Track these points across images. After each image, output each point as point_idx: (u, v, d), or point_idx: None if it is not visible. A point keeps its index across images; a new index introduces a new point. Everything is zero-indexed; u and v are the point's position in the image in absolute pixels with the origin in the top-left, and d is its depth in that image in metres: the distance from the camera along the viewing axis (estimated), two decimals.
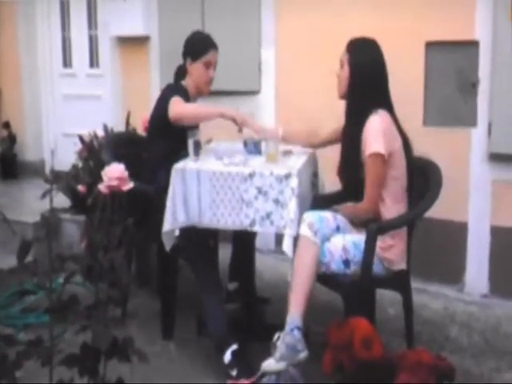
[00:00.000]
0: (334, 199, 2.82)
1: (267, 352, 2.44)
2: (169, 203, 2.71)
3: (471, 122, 3.54)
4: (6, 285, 3.48)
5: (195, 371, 2.75)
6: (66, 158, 4.52)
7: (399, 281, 2.68)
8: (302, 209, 2.58)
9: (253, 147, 2.97)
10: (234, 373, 2.60)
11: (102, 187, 1.74)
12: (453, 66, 3.59)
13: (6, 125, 5.60)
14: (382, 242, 2.54)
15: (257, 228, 2.61)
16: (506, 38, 3.33)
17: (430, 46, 3.64)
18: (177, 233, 2.74)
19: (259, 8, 4.21)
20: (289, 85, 4.16)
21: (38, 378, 1.87)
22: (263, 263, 3.69)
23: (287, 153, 2.95)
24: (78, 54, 5.40)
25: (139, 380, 2.54)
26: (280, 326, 2.47)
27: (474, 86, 3.52)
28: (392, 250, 2.59)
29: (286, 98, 4.16)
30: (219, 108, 2.96)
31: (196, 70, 3.12)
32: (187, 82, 3.15)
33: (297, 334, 2.38)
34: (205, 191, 2.65)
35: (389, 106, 2.65)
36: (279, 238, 2.90)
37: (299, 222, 2.51)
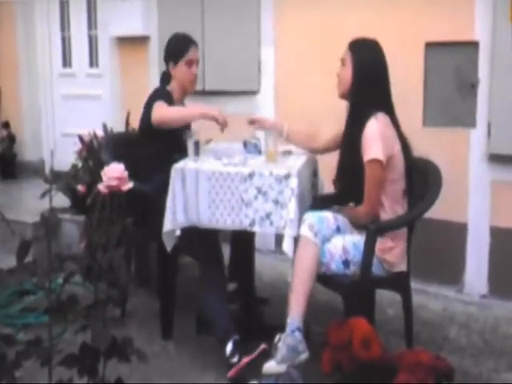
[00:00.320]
0: (333, 199, 2.82)
1: (265, 352, 2.45)
2: (169, 203, 2.70)
3: (470, 122, 3.55)
4: (5, 285, 3.45)
5: (194, 370, 2.75)
6: (66, 157, 4.51)
7: (399, 282, 2.68)
8: (302, 209, 2.58)
9: (252, 148, 2.97)
10: (235, 359, 2.61)
11: (101, 187, 1.74)
12: (452, 66, 3.59)
13: (6, 125, 5.60)
14: (381, 244, 2.54)
15: (256, 228, 2.61)
16: (506, 38, 3.33)
17: (430, 46, 3.64)
18: (178, 233, 2.74)
19: (259, 8, 4.22)
20: (288, 85, 4.16)
21: (37, 377, 1.88)
22: (263, 263, 3.69)
23: (287, 153, 2.95)
24: (78, 54, 5.40)
25: (138, 380, 2.54)
26: (279, 327, 2.47)
27: (473, 86, 3.52)
28: (392, 252, 2.59)
29: (286, 98, 4.16)
30: (200, 108, 2.99)
31: (179, 71, 3.15)
32: (172, 86, 3.19)
33: (298, 335, 2.38)
34: (204, 191, 2.65)
35: (390, 108, 2.65)
36: (279, 239, 2.91)
37: (299, 222, 2.52)
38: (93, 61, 5.32)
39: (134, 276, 3.63)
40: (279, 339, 2.40)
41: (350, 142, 2.65)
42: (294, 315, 2.42)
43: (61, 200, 4.12)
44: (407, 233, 2.66)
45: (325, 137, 2.95)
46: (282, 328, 2.45)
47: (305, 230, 2.50)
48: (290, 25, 4.11)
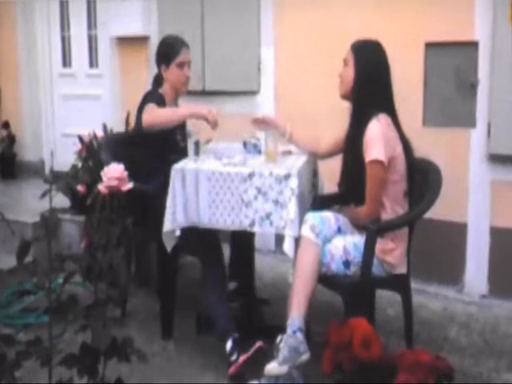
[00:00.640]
0: (334, 200, 2.82)
1: (267, 352, 2.45)
2: (169, 203, 2.70)
3: (470, 122, 3.55)
4: (5, 285, 3.48)
5: (194, 371, 2.75)
6: (66, 158, 4.51)
7: (399, 282, 2.68)
8: (302, 209, 2.58)
9: (252, 148, 2.97)
10: (234, 357, 2.62)
11: (101, 187, 1.74)
12: (452, 66, 3.59)
13: (6, 125, 5.59)
14: (382, 245, 2.54)
15: (256, 228, 2.61)
16: (506, 38, 3.33)
17: (430, 46, 3.64)
18: (178, 233, 2.74)
19: (259, 8, 4.21)
20: (288, 84, 4.16)
21: (37, 377, 1.88)
22: (263, 263, 3.69)
23: (287, 153, 2.95)
24: (78, 54, 5.40)
25: (138, 379, 2.54)
26: (279, 327, 2.47)
27: (473, 86, 3.52)
28: (393, 254, 2.59)
29: (286, 98, 4.16)
30: (190, 108, 3.00)
31: (171, 73, 3.17)
32: (164, 89, 3.21)
33: (299, 336, 2.38)
34: (204, 191, 2.65)
35: (391, 109, 2.65)
36: (279, 239, 2.91)
37: (300, 222, 2.51)
38: (93, 61, 5.31)
39: (134, 276, 3.62)
40: (281, 340, 2.40)
41: (351, 143, 2.65)
42: (295, 316, 2.42)
43: (61, 200, 4.12)
44: (408, 235, 2.66)
45: (327, 142, 2.95)
46: (282, 328, 2.45)
47: (306, 231, 2.50)
48: (290, 25, 4.11)
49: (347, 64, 2.66)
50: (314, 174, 3.12)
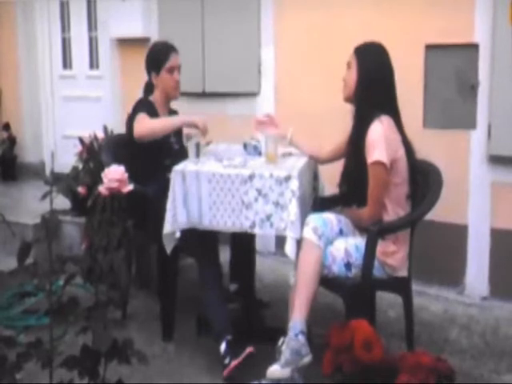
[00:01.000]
0: (335, 201, 2.82)
1: (266, 354, 2.44)
2: (169, 205, 2.70)
3: (471, 124, 3.55)
4: (6, 286, 3.48)
5: (195, 372, 2.75)
6: (66, 159, 4.51)
7: (400, 284, 2.68)
8: (303, 211, 2.58)
9: (252, 149, 2.97)
10: (226, 361, 2.62)
11: (102, 189, 1.74)
12: (452, 68, 3.59)
13: (6, 126, 5.59)
14: (384, 248, 2.54)
15: (257, 230, 2.61)
16: (506, 40, 3.33)
17: (430, 48, 3.64)
18: (177, 235, 2.74)
19: (259, 9, 4.21)
20: (288, 86, 4.15)
21: (38, 379, 1.88)
22: (263, 265, 3.69)
23: (287, 154, 2.95)
24: (78, 56, 5.39)
25: (139, 381, 2.54)
26: (280, 329, 2.47)
27: (473, 88, 3.52)
28: (394, 257, 2.58)
29: (286, 100, 4.16)
30: (181, 117, 3.02)
31: (161, 80, 3.20)
32: (155, 96, 3.23)
33: (301, 338, 2.37)
34: (205, 193, 2.65)
35: (395, 111, 2.65)
36: (279, 240, 2.91)
37: (301, 224, 2.51)
38: (93, 62, 5.31)
39: (134, 278, 3.62)
40: (283, 342, 2.40)
41: (354, 145, 2.65)
42: (297, 318, 2.42)
43: (61, 202, 4.11)
44: (409, 238, 2.66)
45: (329, 148, 2.95)
46: (283, 330, 2.45)
47: (308, 233, 2.50)
48: (290, 25, 4.10)
49: (350, 67, 2.67)
50: (315, 176, 3.12)
